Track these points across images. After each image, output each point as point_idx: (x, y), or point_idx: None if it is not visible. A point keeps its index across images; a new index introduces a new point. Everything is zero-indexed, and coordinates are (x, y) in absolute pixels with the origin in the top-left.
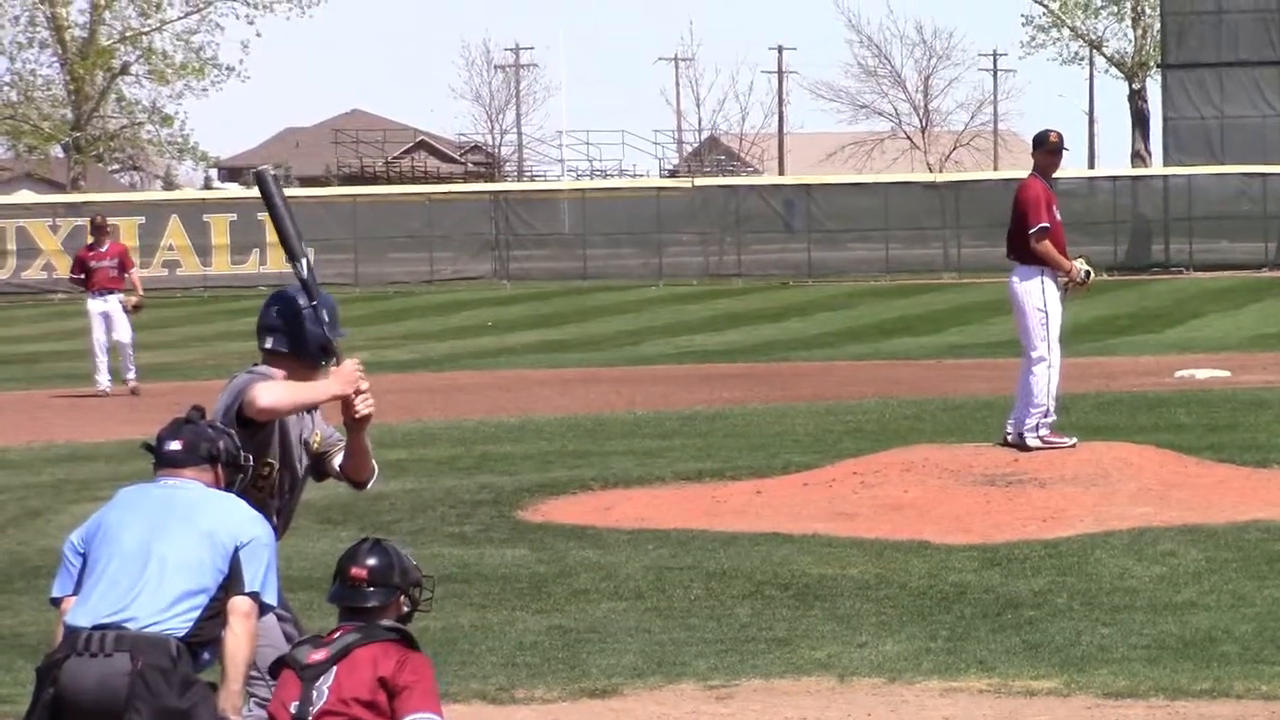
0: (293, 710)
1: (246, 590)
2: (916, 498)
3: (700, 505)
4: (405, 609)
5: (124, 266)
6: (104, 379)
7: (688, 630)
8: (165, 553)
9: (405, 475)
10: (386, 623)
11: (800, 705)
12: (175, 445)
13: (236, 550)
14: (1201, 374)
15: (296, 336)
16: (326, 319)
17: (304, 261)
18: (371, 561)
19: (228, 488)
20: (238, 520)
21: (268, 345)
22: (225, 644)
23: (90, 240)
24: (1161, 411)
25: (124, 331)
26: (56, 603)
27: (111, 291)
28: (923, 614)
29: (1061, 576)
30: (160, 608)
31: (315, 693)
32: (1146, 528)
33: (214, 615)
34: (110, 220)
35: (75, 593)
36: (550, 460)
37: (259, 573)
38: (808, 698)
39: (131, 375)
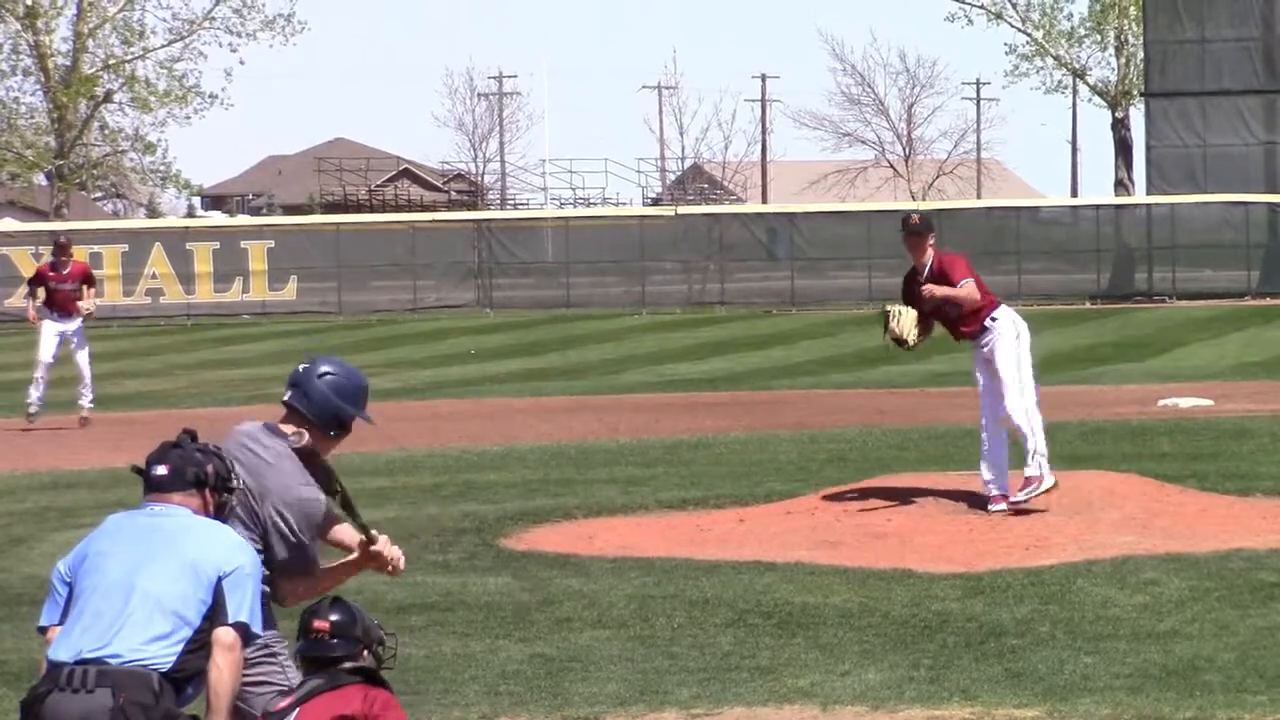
0: None
1: (230, 621)
2: (899, 526)
3: (683, 534)
4: (369, 664)
5: (88, 282)
6: (36, 396)
7: (671, 659)
8: (148, 586)
9: (389, 503)
10: (350, 665)
11: None
12: (162, 470)
13: (220, 580)
14: (1185, 403)
15: (312, 402)
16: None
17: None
18: (334, 616)
19: (218, 510)
20: (221, 549)
21: (286, 396)
22: (209, 676)
23: (52, 260)
24: (1144, 440)
25: (83, 359)
26: (44, 631)
27: (71, 315)
28: (906, 642)
29: (1044, 605)
30: (142, 642)
31: None
32: (1129, 556)
33: (198, 648)
34: (94, 248)
35: (61, 622)
36: (533, 488)
37: (243, 602)
38: None
39: (87, 403)
